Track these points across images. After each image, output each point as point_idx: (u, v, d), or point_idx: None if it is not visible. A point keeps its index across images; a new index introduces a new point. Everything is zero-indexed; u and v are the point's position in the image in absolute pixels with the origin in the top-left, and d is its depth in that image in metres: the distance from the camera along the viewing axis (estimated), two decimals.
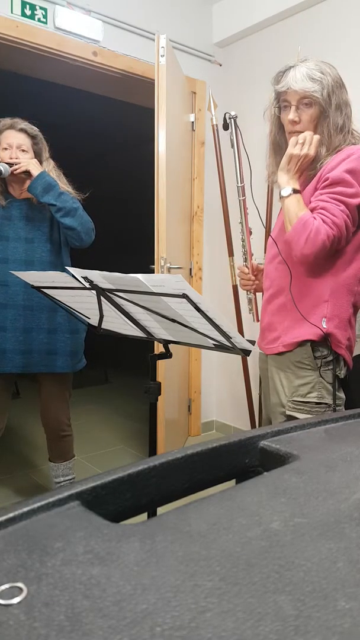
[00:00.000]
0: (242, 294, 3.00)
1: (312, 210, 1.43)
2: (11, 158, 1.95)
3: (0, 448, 3.10)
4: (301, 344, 1.49)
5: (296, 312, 1.49)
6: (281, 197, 1.47)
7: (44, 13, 2.55)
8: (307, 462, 0.68)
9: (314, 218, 1.40)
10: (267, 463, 0.75)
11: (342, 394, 1.53)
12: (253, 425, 3.12)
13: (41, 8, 2.54)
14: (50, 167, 2.04)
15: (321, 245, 1.38)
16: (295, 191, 1.45)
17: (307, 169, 1.49)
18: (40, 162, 2.02)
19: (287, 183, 1.47)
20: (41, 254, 2.01)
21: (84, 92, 3.27)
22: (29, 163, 1.93)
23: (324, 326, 1.46)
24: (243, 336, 1.21)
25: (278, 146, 1.59)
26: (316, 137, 1.45)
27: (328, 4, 2.68)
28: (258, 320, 1.81)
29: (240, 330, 3.07)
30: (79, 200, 2.03)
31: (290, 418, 1.51)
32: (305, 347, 1.49)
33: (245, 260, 1.69)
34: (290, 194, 1.45)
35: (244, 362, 3.09)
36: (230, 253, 3.01)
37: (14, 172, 1.93)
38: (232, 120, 1.40)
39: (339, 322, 1.47)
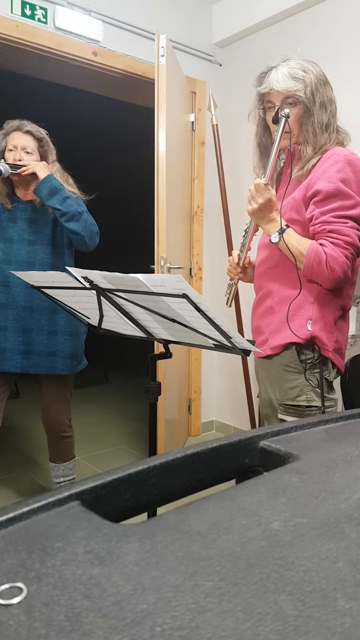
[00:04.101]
0: (242, 293, 3.00)
1: (317, 233, 1.40)
2: (15, 159, 1.95)
3: (0, 448, 3.10)
4: (287, 347, 1.49)
5: (282, 315, 1.48)
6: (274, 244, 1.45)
7: (44, 13, 2.55)
8: (307, 462, 0.68)
9: (322, 245, 1.38)
10: (267, 463, 0.75)
11: (333, 395, 1.52)
12: (253, 425, 3.12)
13: (41, 8, 2.54)
14: (54, 170, 2.03)
15: (345, 266, 1.38)
16: (283, 230, 1.42)
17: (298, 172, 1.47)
18: None
19: (271, 229, 1.44)
20: (42, 256, 2.01)
21: (84, 92, 3.27)
22: (36, 165, 1.92)
23: (309, 328, 1.45)
24: (243, 336, 1.21)
25: (264, 148, 1.57)
26: (257, 182, 1.42)
27: (328, 4, 2.68)
28: (229, 306, 1.80)
29: (240, 330, 3.07)
30: (84, 202, 2.03)
31: (283, 421, 1.50)
32: (291, 351, 1.48)
33: (241, 251, 1.69)
34: (279, 238, 1.42)
35: (244, 362, 3.09)
36: (230, 253, 3.00)
37: (22, 173, 1.92)
38: (284, 119, 1.39)
39: (324, 324, 1.45)
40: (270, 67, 1.46)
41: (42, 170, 1.93)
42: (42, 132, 2.03)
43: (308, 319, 1.45)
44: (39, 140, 2.01)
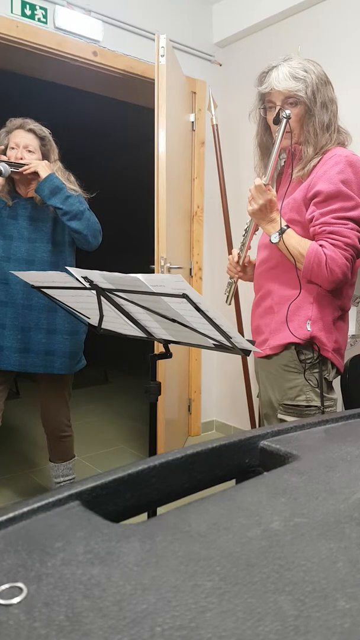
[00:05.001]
0: (242, 293, 3.00)
1: (317, 234, 1.40)
2: (17, 158, 1.94)
3: (0, 448, 3.10)
4: (287, 347, 1.49)
5: (282, 315, 1.48)
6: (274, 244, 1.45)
7: (44, 13, 2.55)
8: (307, 462, 0.68)
9: (322, 246, 1.38)
10: (267, 463, 0.75)
11: (333, 395, 1.52)
12: (253, 425, 3.12)
13: (41, 8, 2.54)
14: (56, 169, 2.02)
15: (344, 268, 1.38)
16: (283, 230, 1.42)
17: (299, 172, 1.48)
18: None
19: (271, 229, 1.44)
20: (42, 254, 2.01)
21: (84, 92, 3.27)
22: (38, 164, 1.92)
23: (309, 328, 1.45)
24: (243, 336, 1.21)
25: (265, 147, 1.57)
26: (257, 183, 1.42)
27: (328, 4, 2.68)
28: (229, 304, 1.81)
29: (240, 330, 3.07)
30: (86, 201, 2.02)
31: (283, 421, 1.50)
32: (291, 351, 1.48)
33: (241, 250, 1.69)
34: (279, 239, 1.42)
35: (244, 362, 3.09)
36: (230, 253, 3.01)
37: (23, 172, 1.92)
38: (285, 120, 1.39)
39: (323, 324, 1.45)
40: (271, 66, 1.45)
41: (44, 169, 1.92)
42: (45, 131, 2.03)
43: (307, 319, 1.45)
44: (41, 138, 2.01)
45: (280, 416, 1.52)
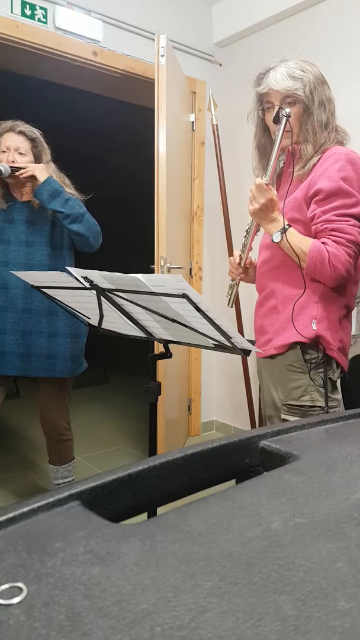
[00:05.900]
0: (242, 293, 2.99)
1: (319, 232, 1.40)
2: (9, 161, 1.92)
3: (0, 448, 3.10)
4: (292, 346, 1.48)
5: (287, 314, 1.47)
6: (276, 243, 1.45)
7: (44, 13, 2.55)
8: (307, 462, 0.68)
9: (325, 243, 1.38)
10: (267, 463, 0.75)
11: (337, 396, 1.52)
12: (253, 425, 3.12)
13: (41, 8, 2.54)
14: (50, 171, 2.00)
15: (347, 264, 1.38)
16: (285, 229, 1.42)
17: (299, 170, 1.47)
18: None
19: (273, 229, 1.44)
20: (41, 258, 1.99)
21: (84, 92, 3.27)
22: (35, 168, 1.90)
23: (314, 328, 1.44)
24: (243, 336, 1.21)
25: (263, 149, 1.57)
26: (258, 182, 1.42)
27: (328, 4, 2.68)
28: (231, 307, 1.80)
29: (240, 330, 3.07)
30: (83, 203, 2.01)
31: (285, 421, 1.50)
32: (296, 350, 1.48)
33: (243, 252, 1.69)
34: (282, 237, 1.41)
35: (244, 362, 3.09)
36: (230, 253, 2.99)
37: (20, 176, 1.90)
38: (285, 118, 1.39)
39: (328, 323, 1.45)
40: (269, 68, 1.46)
41: (42, 173, 1.90)
42: (36, 132, 1.99)
43: (312, 319, 1.45)
44: (32, 140, 1.97)
45: (283, 416, 1.52)
